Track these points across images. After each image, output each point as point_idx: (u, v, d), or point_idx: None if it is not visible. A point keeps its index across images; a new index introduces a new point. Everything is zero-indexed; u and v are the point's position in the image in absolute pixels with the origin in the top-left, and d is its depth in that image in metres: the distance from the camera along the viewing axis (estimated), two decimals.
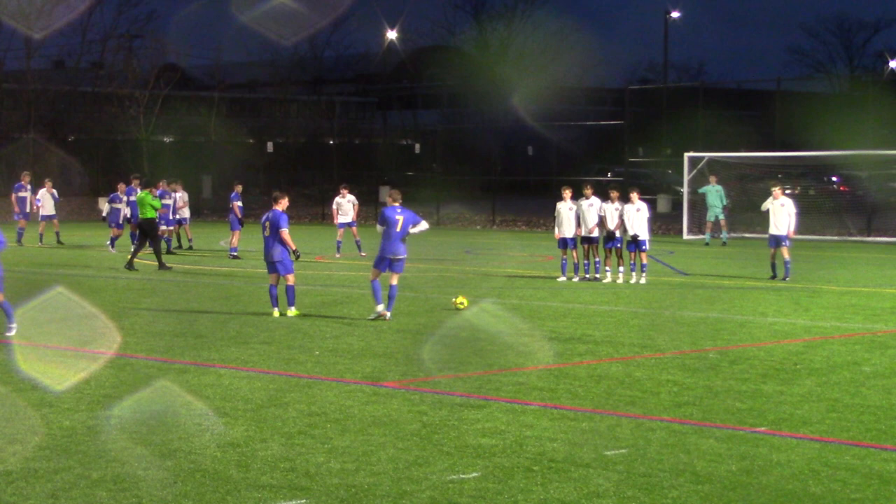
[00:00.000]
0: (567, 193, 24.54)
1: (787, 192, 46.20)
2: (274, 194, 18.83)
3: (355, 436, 10.09)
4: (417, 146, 68.21)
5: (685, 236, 43.51)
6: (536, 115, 68.28)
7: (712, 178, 39.45)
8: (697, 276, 26.55)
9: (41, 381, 12.48)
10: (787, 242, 24.76)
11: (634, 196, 24.29)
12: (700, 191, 40.30)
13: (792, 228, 24.85)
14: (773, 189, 25.47)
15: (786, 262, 24.80)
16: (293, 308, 18.20)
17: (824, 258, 32.73)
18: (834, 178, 50.79)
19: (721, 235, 38.90)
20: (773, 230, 24.86)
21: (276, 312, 18.09)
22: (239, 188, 31.86)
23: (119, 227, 33.34)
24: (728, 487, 8.65)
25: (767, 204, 25.19)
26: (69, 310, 19.04)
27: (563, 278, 24.55)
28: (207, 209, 57.92)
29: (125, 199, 32.81)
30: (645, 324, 17.83)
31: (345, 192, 31.53)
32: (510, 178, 62.07)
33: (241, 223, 31.12)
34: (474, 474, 8.93)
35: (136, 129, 64.64)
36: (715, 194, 38.68)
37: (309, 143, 74.36)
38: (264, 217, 18.45)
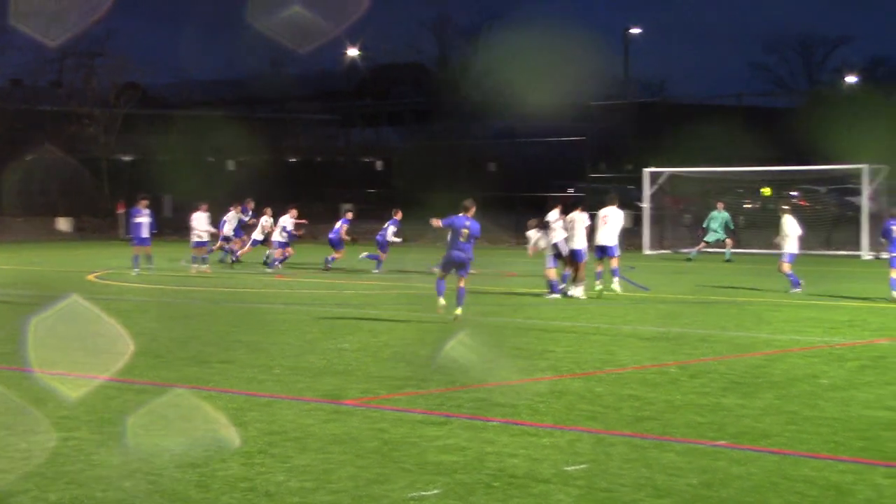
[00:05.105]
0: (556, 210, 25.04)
1: (747, 206, 46.85)
2: (465, 203, 20.88)
3: (315, 454, 10.05)
4: (379, 163, 68.21)
5: (645, 251, 43.71)
6: (499, 132, 68.41)
7: (719, 205, 40.17)
8: (659, 291, 26.67)
9: None
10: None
11: (613, 206, 25.11)
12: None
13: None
14: (781, 206, 27.09)
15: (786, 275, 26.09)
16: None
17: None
18: (793, 193, 51.28)
19: (725, 252, 39.41)
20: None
21: (443, 301, 19.65)
22: (350, 214, 34.87)
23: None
24: (688, 501, 8.67)
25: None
26: (25, 330, 18.82)
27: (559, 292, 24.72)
28: (169, 229, 57.51)
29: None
30: (606, 339, 17.89)
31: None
32: (473, 195, 62.08)
33: (341, 244, 33.43)
34: (435, 491, 8.91)
35: (96, 148, 64.20)
36: (719, 220, 39.42)
37: (271, 160, 74.12)
38: (463, 222, 20.54)
